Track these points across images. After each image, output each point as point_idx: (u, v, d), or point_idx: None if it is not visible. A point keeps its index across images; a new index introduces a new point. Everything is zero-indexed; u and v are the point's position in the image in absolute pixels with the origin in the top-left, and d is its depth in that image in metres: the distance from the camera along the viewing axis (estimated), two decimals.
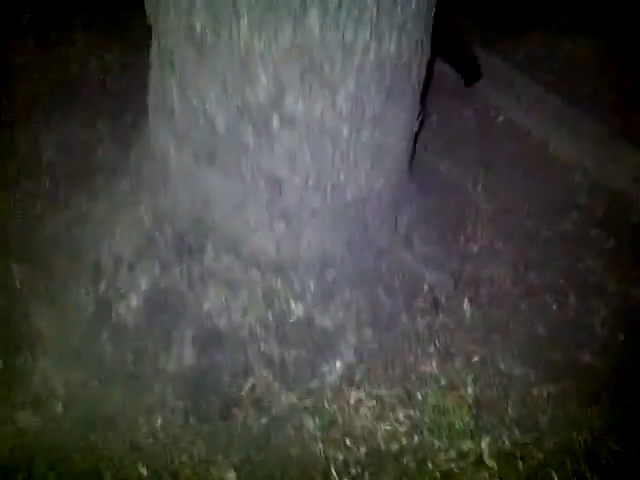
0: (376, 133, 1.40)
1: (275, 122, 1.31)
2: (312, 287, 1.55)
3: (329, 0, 1.15)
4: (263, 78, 1.24)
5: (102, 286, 1.61)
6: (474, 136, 2.16)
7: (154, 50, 1.43)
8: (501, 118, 2.26)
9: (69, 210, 1.86)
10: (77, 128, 2.17)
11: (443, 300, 1.67)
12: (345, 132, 1.34)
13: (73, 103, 2.27)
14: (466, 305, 1.67)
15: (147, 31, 2.53)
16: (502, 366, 1.56)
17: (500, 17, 2.65)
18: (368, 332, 1.58)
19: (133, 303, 1.57)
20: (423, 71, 1.45)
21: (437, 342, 1.60)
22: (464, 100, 2.33)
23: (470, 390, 1.51)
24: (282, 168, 1.38)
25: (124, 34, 2.53)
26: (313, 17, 1.16)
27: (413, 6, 1.28)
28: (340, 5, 1.16)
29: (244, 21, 1.18)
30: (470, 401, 1.49)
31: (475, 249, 1.81)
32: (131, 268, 1.58)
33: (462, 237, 1.82)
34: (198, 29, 1.23)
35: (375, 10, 1.19)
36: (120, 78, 2.38)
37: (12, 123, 2.18)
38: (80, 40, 2.51)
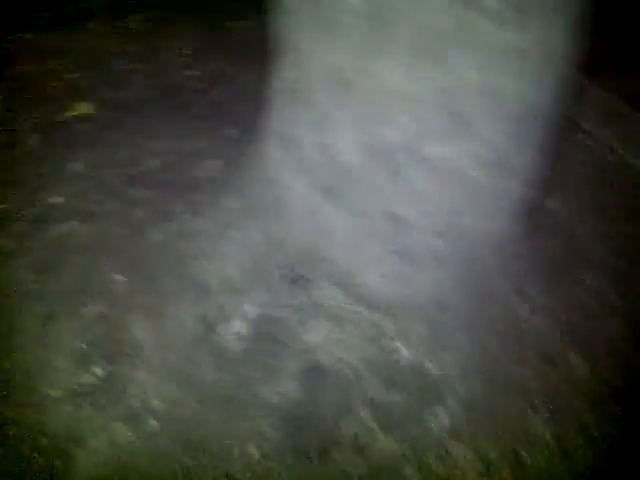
0: (505, 178, 1.34)
1: (408, 163, 1.26)
2: (421, 330, 1.50)
3: (487, 73, 1.09)
4: (404, 119, 1.20)
5: (206, 306, 1.60)
6: (587, 178, 2.06)
7: (283, 78, 1.41)
8: (615, 159, 2.15)
9: (174, 223, 1.86)
10: (180, 138, 2.18)
11: (554, 354, 1.59)
12: (478, 177, 1.29)
13: (176, 112, 2.29)
14: (578, 361, 1.59)
15: (250, 42, 2.54)
16: (619, 434, 1.47)
17: (614, 51, 2.53)
18: (476, 382, 1.51)
19: (237, 328, 1.55)
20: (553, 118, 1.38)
21: (547, 399, 1.52)
22: (576, 139, 2.24)
23: (582, 456, 1.42)
24: (408, 208, 1.34)
25: (227, 44, 2.55)
26: (467, 64, 1.11)
27: (563, 54, 1.22)
28: (497, 64, 1.10)
29: (393, 62, 1.13)
30: (584, 470, 1.40)
31: (588, 300, 1.72)
32: (238, 292, 1.56)
33: (575, 286, 1.73)
34: (341, 66, 1.19)
35: (532, 64, 1.13)
36: (222, 89, 2.40)
37: (117, 128, 2.21)
38: (185, 48, 2.53)
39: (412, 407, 1.49)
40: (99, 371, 1.64)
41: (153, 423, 1.55)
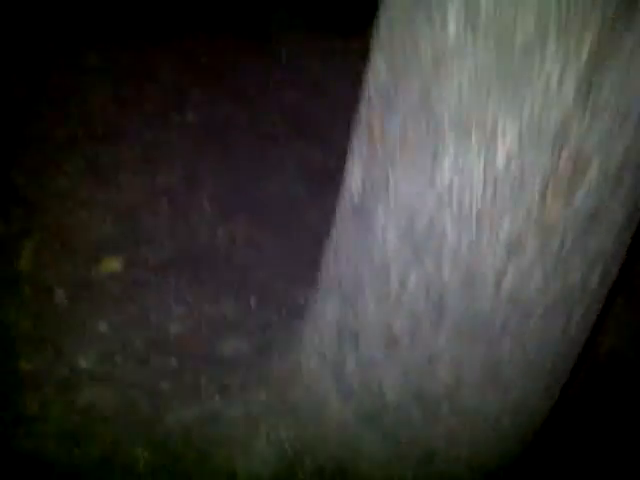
0: None
1: (444, 409, 1.40)
2: None
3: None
4: (443, 374, 1.34)
5: None
6: None
7: (332, 320, 1.53)
8: None
9: (200, 401, 1.93)
10: (204, 304, 2.28)
11: None
12: None
13: (198, 274, 2.39)
14: None
15: (279, 210, 2.66)
16: None
17: None
18: None
19: None
20: None
21: None
22: None
23: None
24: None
25: (253, 205, 2.69)
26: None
27: None
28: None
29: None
30: None
31: None
32: None
33: None
34: (396, 329, 1.34)
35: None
36: (245, 253, 2.51)
37: (143, 288, 2.30)
38: (208, 208, 2.67)
39: None
40: None
41: None
